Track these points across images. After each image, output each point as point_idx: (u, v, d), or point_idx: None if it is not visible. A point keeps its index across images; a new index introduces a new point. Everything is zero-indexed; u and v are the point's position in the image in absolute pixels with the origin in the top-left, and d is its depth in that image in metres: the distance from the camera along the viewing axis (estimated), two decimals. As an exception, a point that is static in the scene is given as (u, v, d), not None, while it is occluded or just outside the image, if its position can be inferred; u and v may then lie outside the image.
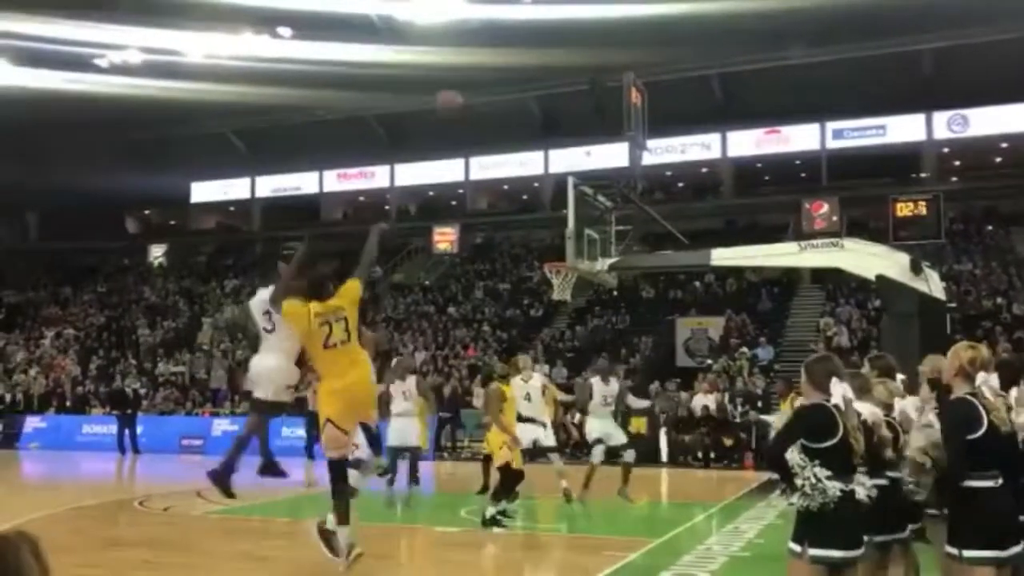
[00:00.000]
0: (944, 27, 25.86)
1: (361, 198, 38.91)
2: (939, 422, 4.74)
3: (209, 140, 36.32)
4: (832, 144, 30.90)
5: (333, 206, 39.41)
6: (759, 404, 19.35)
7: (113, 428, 22.85)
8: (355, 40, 26.63)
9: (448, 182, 36.33)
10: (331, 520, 6.95)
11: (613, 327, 25.96)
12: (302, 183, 38.09)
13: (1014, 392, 4.92)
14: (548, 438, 11.99)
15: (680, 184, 35.12)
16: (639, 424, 19.89)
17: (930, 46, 27.57)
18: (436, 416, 20.43)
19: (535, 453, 12.05)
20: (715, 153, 32.54)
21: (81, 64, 27.95)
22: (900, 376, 5.59)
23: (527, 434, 11.43)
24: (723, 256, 14.90)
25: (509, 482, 10.43)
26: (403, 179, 36.67)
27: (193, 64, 28.20)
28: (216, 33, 26.74)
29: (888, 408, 5.24)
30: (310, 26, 26.33)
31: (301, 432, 20.83)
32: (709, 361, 22.54)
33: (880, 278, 13.23)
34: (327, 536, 7.03)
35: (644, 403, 15.56)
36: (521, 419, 11.26)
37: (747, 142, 32.08)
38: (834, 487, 4.13)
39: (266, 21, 26.38)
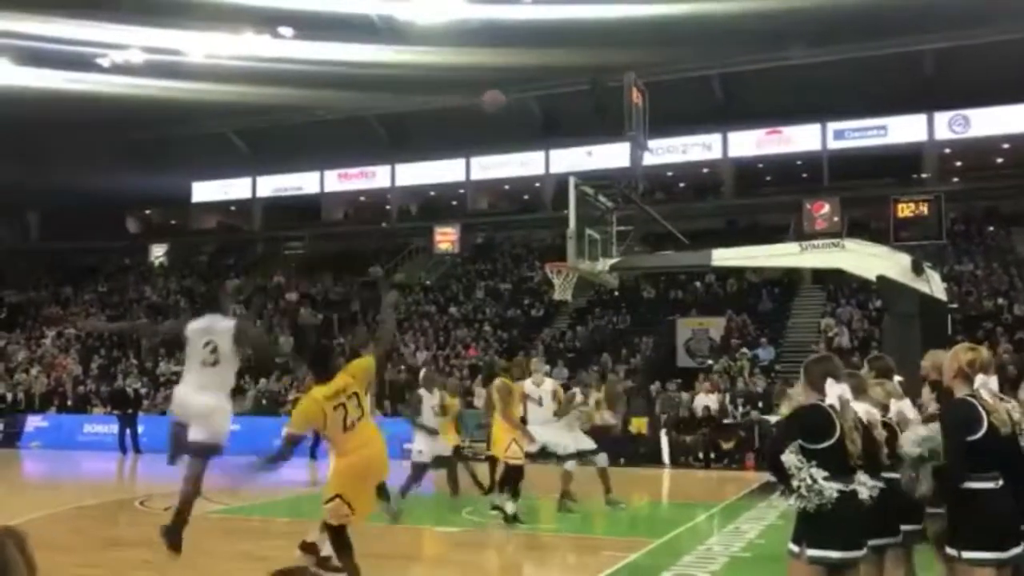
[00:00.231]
0: (945, 27, 25.85)
1: (362, 198, 38.92)
2: (939, 423, 4.74)
3: (210, 140, 36.35)
4: (833, 144, 30.89)
5: (334, 206, 39.44)
6: (760, 404, 19.34)
7: (114, 428, 22.86)
8: (356, 40, 26.64)
9: (449, 182, 36.34)
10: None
11: (614, 327, 25.96)
12: (303, 183, 38.10)
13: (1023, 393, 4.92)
14: (564, 445, 11.87)
15: (681, 184, 35.13)
16: (640, 424, 19.93)
17: (931, 46, 27.56)
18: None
19: (547, 456, 12.03)
20: (716, 153, 32.54)
21: (83, 64, 27.97)
22: (898, 377, 5.58)
23: (541, 438, 11.48)
24: (724, 256, 14.90)
25: (517, 478, 10.43)
26: (404, 179, 36.68)
27: (194, 64, 28.21)
28: (217, 33, 26.76)
29: (884, 408, 5.24)
30: (311, 26, 26.35)
31: (302, 432, 20.88)
32: (710, 361, 22.53)
33: (881, 279, 13.23)
34: (325, 564, 7.16)
35: (613, 421, 15.43)
36: (525, 422, 11.29)
37: (748, 142, 32.08)
38: (831, 488, 4.13)
39: (267, 21, 26.39)
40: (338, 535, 6.37)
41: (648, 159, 16.11)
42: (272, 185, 38.54)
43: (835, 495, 4.13)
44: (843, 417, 4.27)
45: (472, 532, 10.40)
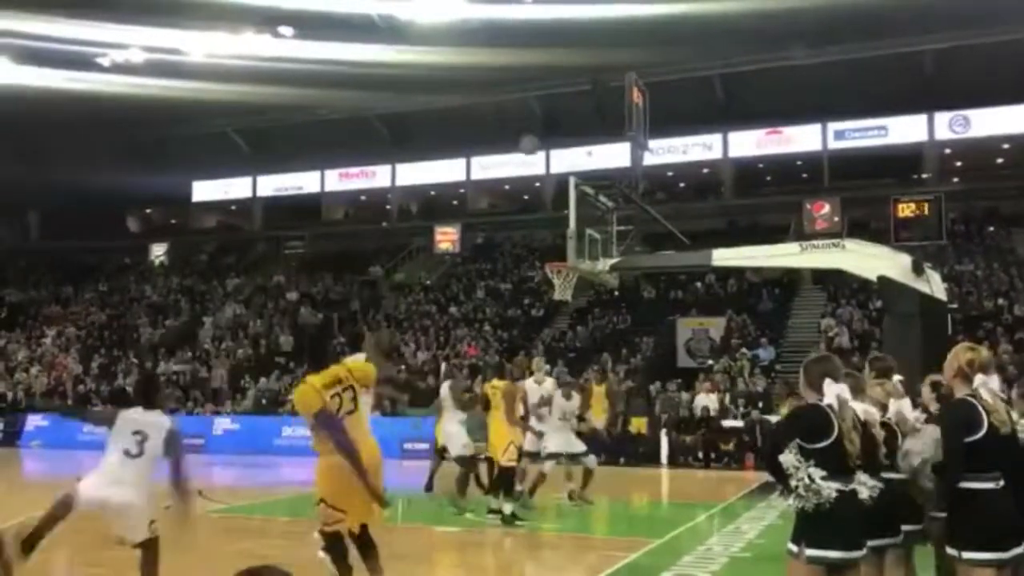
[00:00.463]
0: (946, 28, 25.85)
1: (362, 197, 38.92)
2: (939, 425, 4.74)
3: (210, 139, 36.38)
4: (833, 145, 30.88)
5: (334, 205, 39.44)
6: (760, 404, 19.34)
7: (114, 427, 22.84)
8: (356, 40, 26.64)
9: (449, 182, 36.33)
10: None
11: (614, 327, 25.96)
12: (303, 182, 38.09)
13: None
14: (576, 444, 11.99)
15: (681, 184, 35.12)
16: (639, 424, 19.93)
17: (932, 47, 27.56)
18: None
19: (570, 458, 12.05)
20: (716, 153, 32.53)
21: (83, 63, 27.98)
22: (898, 377, 5.58)
23: (555, 441, 11.49)
24: (724, 256, 14.90)
25: (511, 479, 10.49)
26: (404, 179, 36.67)
27: (195, 63, 28.22)
28: (218, 32, 26.78)
29: (883, 408, 5.24)
30: (311, 25, 26.35)
31: (304, 432, 20.90)
32: (710, 362, 22.53)
33: (881, 279, 13.23)
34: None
35: (596, 425, 15.44)
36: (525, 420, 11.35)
37: (748, 142, 32.06)
38: (829, 487, 4.13)
39: (268, 20, 26.40)
40: (332, 541, 6.15)
41: (648, 159, 16.11)
42: (272, 184, 38.53)
43: (833, 494, 4.13)
44: (841, 417, 4.27)
45: (473, 532, 10.40)
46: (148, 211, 43.96)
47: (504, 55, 26.53)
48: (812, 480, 4.13)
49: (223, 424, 22.44)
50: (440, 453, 12.41)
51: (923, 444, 4.83)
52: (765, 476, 13.59)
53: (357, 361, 6.55)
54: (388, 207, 37.82)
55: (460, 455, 11.45)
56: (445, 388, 11.95)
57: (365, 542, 6.23)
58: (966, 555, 4.35)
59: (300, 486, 13.25)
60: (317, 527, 6.35)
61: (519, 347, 23.90)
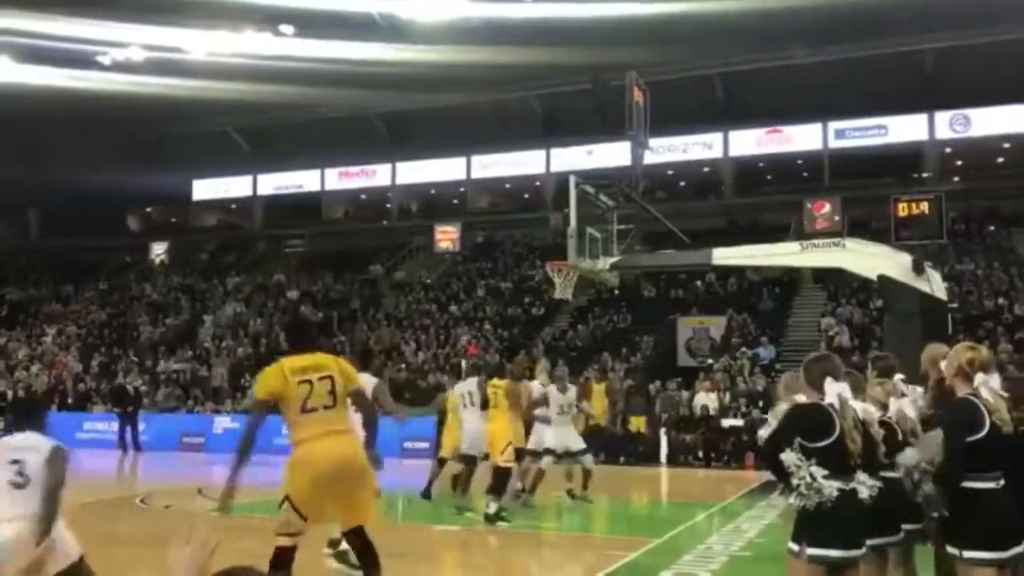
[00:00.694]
0: (946, 27, 25.85)
1: (363, 196, 38.91)
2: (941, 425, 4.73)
3: (211, 138, 36.37)
4: (834, 144, 30.88)
5: (335, 204, 39.43)
6: (760, 404, 19.33)
7: (114, 425, 22.87)
8: (357, 38, 26.65)
9: (450, 180, 36.31)
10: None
11: (614, 326, 25.96)
12: (304, 181, 38.09)
13: None
14: (576, 442, 12.07)
15: (682, 183, 35.11)
16: (639, 423, 19.93)
17: (932, 46, 27.56)
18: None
19: (568, 455, 12.07)
20: (717, 152, 32.53)
21: (83, 61, 27.99)
22: (899, 376, 5.58)
23: (554, 437, 11.49)
24: (724, 255, 14.90)
25: (506, 479, 10.48)
26: (405, 177, 36.67)
27: (195, 62, 28.22)
28: (218, 31, 26.78)
29: (884, 407, 5.24)
30: (312, 24, 26.35)
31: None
32: (710, 361, 22.53)
33: (882, 278, 13.22)
34: (343, 557, 7.32)
35: (592, 411, 15.46)
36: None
37: (749, 141, 32.06)
38: (831, 486, 4.13)
39: (268, 19, 26.40)
40: (279, 558, 5.35)
41: (649, 158, 16.12)
42: (273, 183, 38.53)
43: (834, 493, 4.12)
44: (843, 416, 4.27)
45: (473, 531, 10.40)
46: (148, 210, 43.96)
47: (504, 54, 26.53)
48: (814, 479, 4.13)
49: (223, 423, 22.44)
50: (443, 458, 12.10)
51: (913, 454, 4.82)
52: (765, 475, 13.61)
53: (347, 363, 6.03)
54: (388, 206, 37.83)
55: (466, 454, 11.31)
56: (472, 385, 11.25)
57: (363, 547, 5.73)
58: (967, 554, 4.35)
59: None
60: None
61: (519, 346, 23.89)
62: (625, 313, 26.41)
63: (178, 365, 27.65)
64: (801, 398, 4.77)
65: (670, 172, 32.80)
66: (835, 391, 4.29)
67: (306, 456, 5.48)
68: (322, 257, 35.34)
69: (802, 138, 31.34)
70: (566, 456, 12.09)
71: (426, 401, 21.20)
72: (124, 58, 28.27)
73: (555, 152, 33.57)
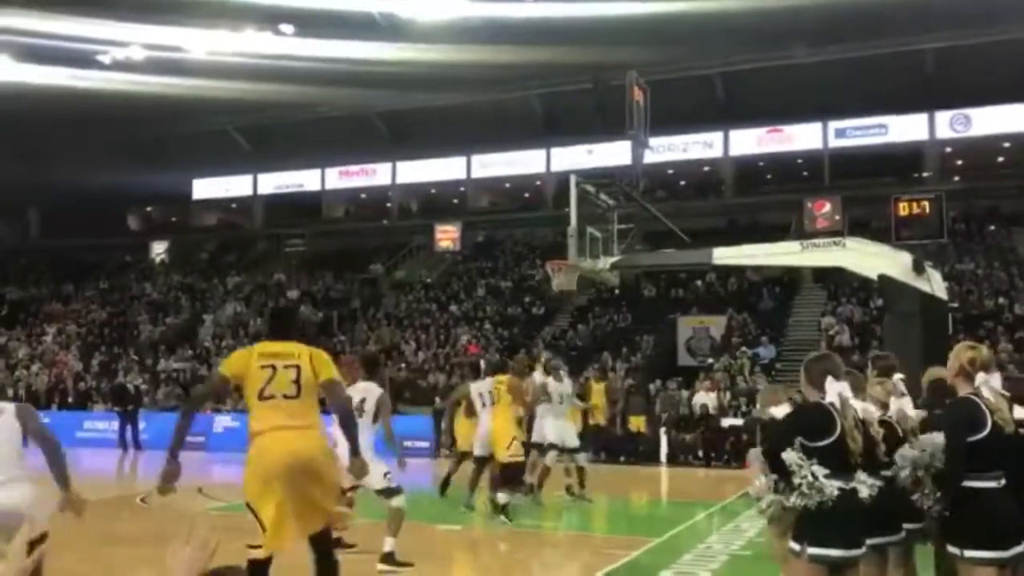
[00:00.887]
0: (946, 26, 25.83)
1: (363, 195, 38.91)
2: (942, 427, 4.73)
3: (211, 137, 36.36)
4: (834, 143, 30.87)
5: (335, 203, 39.43)
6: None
7: (115, 424, 22.87)
8: (357, 37, 26.63)
9: (450, 180, 36.31)
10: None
11: (614, 325, 25.96)
12: (304, 180, 38.08)
13: None
14: (572, 438, 12.15)
15: (682, 183, 35.10)
16: (639, 423, 19.93)
17: (932, 45, 27.54)
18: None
19: (563, 451, 12.11)
20: (717, 152, 32.53)
21: (84, 60, 27.97)
22: (899, 375, 5.58)
23: (554, 431, 11.51)
24: (725, 255, 14.88)
25: (515, 473, 10.45)
26: (405, 177, 36.67)
27: (196, 61, 28.21)
28: (219, 30, 26.76)
29: (884, 407, 5.24)
30: (312, 23, 26.34)
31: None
32: (710, 360, 22.52)
33: (882, 277, 13.21)
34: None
35: (581, 405, 15.46)
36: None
37: (749, 141, 32.05)
38: (832, 486, 4.13)
39: (268, 18, 26.39)
40: (250, 570, 4.77)
41: (649, 157, 16.11)
42: (273, 182, 38.52)
43: (835, 493, 4.12)
44: (844, 415, 4.27)
45: (474, 529, 10.40)
46: (148, 209, 43.96)
47: (505, 53, 26.52)
48: (815, 478, 4.13)
49: (224, 422, 22.42)
50: (466, 456, 11.88)
51: (913, 450, 4.81)
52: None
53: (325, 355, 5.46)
54: (389, 205, 37.83)
55: (479, 456, 11.18)
56: (490, 385, 11.07)
57: (321, 557, 5.20)
58: (968, 553, 4.35)
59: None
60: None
61: (520, 345, 23.89)
62: (625, 312, 26.41)
63: (178, 364, 27.65)
64: (777, 411, 4.79)
65: (670, 171, 32.79)
66: (836, 390, 4.29)
67: (258, 451, 5.04)
68: (322, 256, 35.34)
69: (802, 137, 31.33)
70: (565, 452, 12.14)
71: (426, 401, 21.25)
72: (124, 57, 28.25)
73: (555, 151, 33.58)
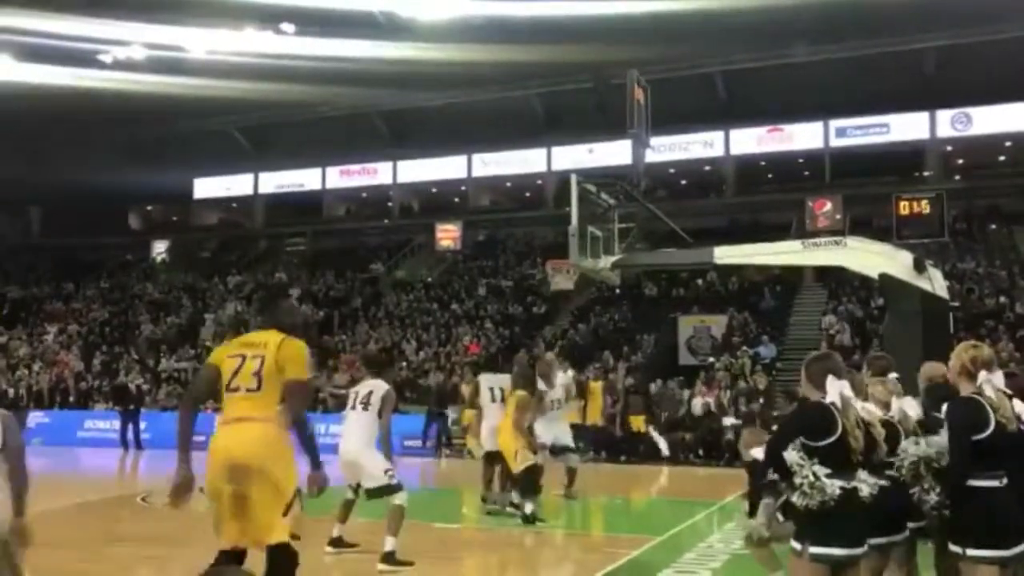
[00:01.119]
0: (947, 26, 25.83)
1: (364, 195, 38.93)
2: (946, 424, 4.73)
3: (212, 136, 36.38)
4: (835, 142, 30.87)
5: (336, 203, 39.44)
6: (761, 402, 19.30)
7: (116, 424, 22.87)
8: (358, 36, 26.63)
9: (451, 179, 36.33)
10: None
11: (615, 325, 25.96)
12: (305, 179, 38.10)
13: None
14: (564, 439, 12.11)
15: (683, 182, 35.10)
16: (639, 423, 19.92)
17: (933, 44, 27.55)
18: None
19: (555, 451, 12.08)
20: (718, 151, 32.53)
21: (84, 60, 27.97)
22: (893, 375, 5.58)
23: (546, 431, 11.50)
24: (726, 254, 14.86)
25: (534, 477, 10.39)
26: (406, 176, 36.69)
27: (196, 60, 28.20)
28: (220, 29, 26.75)
29: (886, 406, 5.24)
30: (313, 22, 26.33)
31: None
32: (711, 359, 22.52)
33: (883, 276, 13.20)
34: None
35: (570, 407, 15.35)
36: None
37: (750, 140, 32.05)
38: (833, 485, 4.13)
39: (269, 17, 26.38)
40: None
41: (650, 156, 16.10)
42: (274, 182, 38.54)
43: (837, 492, 4.12)
44: (845, 414, 4.27)
45: (474, 528, 10.40)
46: (149, 208, 43.99)
47: (506, 52, 26.52)
48: (816, 478, 4.13)
49: (225, 421, 22.50)
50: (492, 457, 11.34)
51: (910, 451, 4.81)
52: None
53: (296, 343, 4.93)
54: (389, 204, 37.83)
55: (490, 452, 11.02)
56: (505, 380, 10.94)
57: (268, 572, 4.56)
58: (970, 552, 4.35)
59: (301, 483, 13.26)
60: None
61: (520, 345, 23.89)
62: (626, 312, 26.40)
63: (179, 363, 27.66)
64: (758, 452, 4.80)
65: (671, 170, 32.80)
66: (837, 389, 4.29)
67: (211, 446, 4.73)
68: (323, 255, 35.35)
69: (803, 136, 31.33)
70: (557, 452, 12.11)
71: (427, 400, 21.23)
72: (125, 57, 28.24)
73: (556, 150, 33.59)
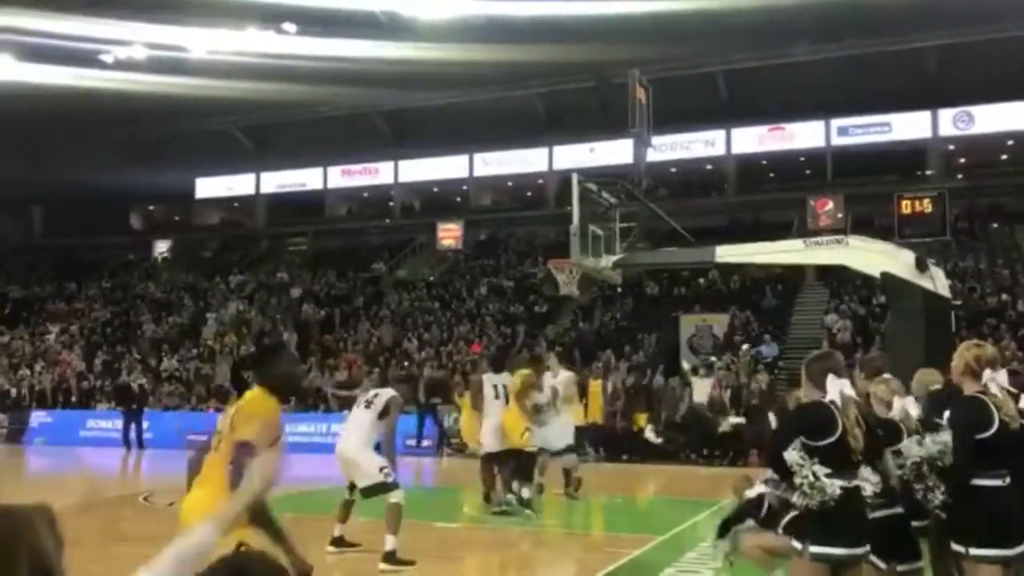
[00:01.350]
0: (949, 24, 25.80)
1: (365, 194, 38.94)
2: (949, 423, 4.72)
3: (213, 136, 36.39)
4: (837, 141, 30.85)
5: (337, 202, 39.45)
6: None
7: (118, 423, 22.89)
8: (359, 36, 26.63)
9: (452, 178, 36.34)
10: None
11: (617, 324, 25.95)
12: (306, 179, 38.11)
13: None
14: (563, 437, 12.07)
15: (684, 181, 35.10)
16: (640, 422, 19.92)
17: (935, 43, 27.51)
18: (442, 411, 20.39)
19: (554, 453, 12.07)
20: (720, 150, 32.51)
21: (86, 60, 27.97)
22: (886, 375, 5.57)
23: (540, 435, 11.50)
24: (727, 253, 14.85)
25: (530, 466, 10.40)
26: (407, 175, 36.68)
27: (198, 60, 28.21)
28: (221, 29, 26.75)
29: (888, 406, 5.23)
30: (314, 22, 26.34)
31: (306, 428, 20.93)
32: (713, 358, 22.50)
33: (885, 275, 13.18)
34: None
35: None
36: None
37: (751, 139, 32.03)
38: (834, 485, 4.12)
39: (271, 17, 26.38)
40: None
41: (651, 155, 16.09)
42: (275, 181, 38.56)
43: (837, 492, 4.12)
44: (845, 414, 4.26)
45: (475, 528, 10.40)
46: (151, 208, 44.02)
47: (507, 51, 26.52)
48: (816, 478, 4.12)
49: (226, 421, 22.51)
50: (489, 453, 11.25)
51: (912, 450, 4.80)
52: (767, 473, 13.59)
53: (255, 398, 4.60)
54: (391, 204, 37.84)
55: (491, 452, 10.97)
56: (507, 378, 10.94)
57: None
58: (973, 551, 4.35)
59: (303, 483, 13.26)
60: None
61: (522, 344, 23.90)
62: (628, 311, 26.39)
63: (181, 363, 27.68)
64: (749, 493, 4.78)
65: (673, 170, 32.77)
66: (837, 388, 4.29)
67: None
68: (325, 255, 35.36)
69: (805, 135, 31.30)
70: (552, 454, 12.08)
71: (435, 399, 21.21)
72: (127, 56, 28.25)
73: (558, 150, 33.58)
